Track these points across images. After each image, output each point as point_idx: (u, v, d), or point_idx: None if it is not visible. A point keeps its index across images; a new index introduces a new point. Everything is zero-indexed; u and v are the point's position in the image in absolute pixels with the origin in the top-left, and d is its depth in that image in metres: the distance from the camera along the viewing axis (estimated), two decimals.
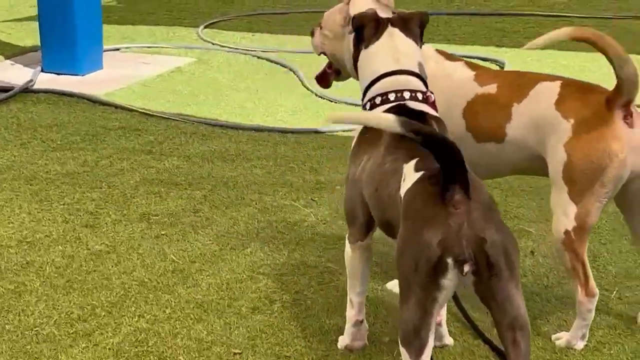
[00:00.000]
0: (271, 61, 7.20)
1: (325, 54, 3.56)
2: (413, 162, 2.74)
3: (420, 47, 3.21)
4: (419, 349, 2.58)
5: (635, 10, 8.82)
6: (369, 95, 3.13)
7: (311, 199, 4.66)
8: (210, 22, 8.48)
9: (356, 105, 6.01)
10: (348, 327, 3.29)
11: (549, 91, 3.28)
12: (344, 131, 5.60)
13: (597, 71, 6.05)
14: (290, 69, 6.94)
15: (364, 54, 3.20)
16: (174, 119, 5.85)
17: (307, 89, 6.47)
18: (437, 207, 2.53)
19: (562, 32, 3.18)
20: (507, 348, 2.60)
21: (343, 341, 3.31)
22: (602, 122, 3.14)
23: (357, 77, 3.31)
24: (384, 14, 3.24)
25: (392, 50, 3.14)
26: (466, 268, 2.52)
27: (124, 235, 4.26)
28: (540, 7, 9.02)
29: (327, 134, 5.61)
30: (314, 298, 3.71)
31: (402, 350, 2.62)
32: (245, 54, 7.43)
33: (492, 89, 3.39)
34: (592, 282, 3.27)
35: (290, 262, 4.01)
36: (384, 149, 2.92)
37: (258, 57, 7.32)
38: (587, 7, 9.04)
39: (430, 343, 2.61)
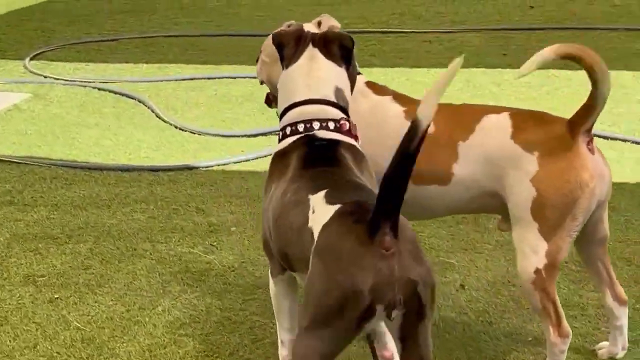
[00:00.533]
0: (115, 92, 6.74)
1: (263, 82, 3.30)
2: (322, 193, 2.56)
3: (348, 69, 2.96)
4: None
5: (469, 22, 8.83)
6: (282, 124, 2.93)
7: (210, 244, 4.30)
8: (36, 52, 7.91)
9: (224, 136, 5.72)
10: None
11: (499, 124, 3.06)
12: (219, 165, 5.26)
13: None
14: (140, 100, 6.51)
15: (282, 76, 2.96)
16: (27, 163, 5.35)
17: (164, 121, 6.08)
18: (366, 249, 2.34)
19: (548, 51, 2.96)
20: None
21: None
22: (568, 152, 2.95)
23: None
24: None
25: (306, 75, 2.91)
26: (394, 314, 2.38)
27: (12, 303, 3.79)
28: (374, 24, 8.90)
29: (202, 170, 5.24)
30: (252, 358, 3.37)
31: None
32: (84, 86, 6.93)
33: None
34: (565, 322, 3.07)
35: (212, 318, 3.64)
36: (290, 178, 2.75)
37: (99, 89, 6.84)
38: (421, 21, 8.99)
39: None
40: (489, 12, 9.07)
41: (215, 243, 4.31)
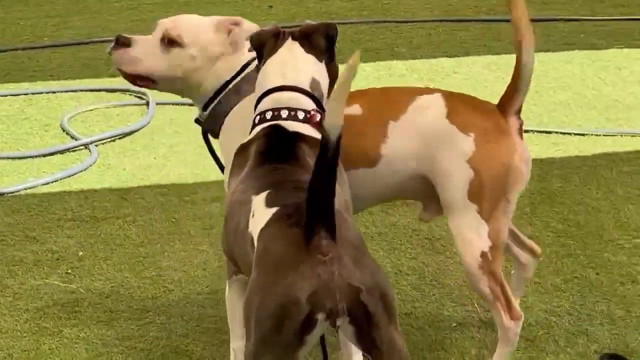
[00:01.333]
0: None
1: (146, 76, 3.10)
2: (264, 194, 2.43)
3: (328, 61, 2.79)
4: None
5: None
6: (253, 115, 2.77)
7: (64, 272, 3.90)
8: None
9: (18, 157, 5.23)
10: None
11: (433, 104, 3.00)
12: (27, 189, 4.79)
13: None
14: None
15: (259, 74, 2.80)
16: None
17: None
18: (302, 255, 2.21)
19: None
20: None
21: None
22: (502, 134, 2.95)
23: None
24: None
25: (281, 65, 2.76)
26: (339, 322, 2.24)
27: None
28: None
29: (8, 196, 4.74)
30: None
31: None
32: None
33: (355, 110, 3.00)
34: (515, 304, 3.01)
35: (114, 350, 3.29)
36: (243, 175, 2.61)
37: None
38: None
39: None
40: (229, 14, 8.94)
41: (69, 271, 3.91)
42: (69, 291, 3.73)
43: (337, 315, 2.22)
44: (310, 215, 2.22)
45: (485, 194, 2.92)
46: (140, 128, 5.56)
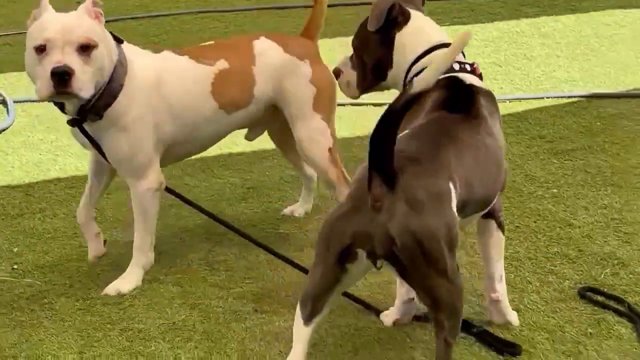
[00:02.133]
0: None
1: None
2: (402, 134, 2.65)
3: None
4: (311, 314, 2.61)
5: None
6: (416, 69, 2.96)
7: (11, 268, 3.73)
8: None
9: None
10: None
11: (268, 45, 3.63)
12: None
13: None
14: None
15: (399, 37, 3.01)
16: None
17: None
18: (363, 196, 2.45)
19: None
20: (434, 326, 2.57)
21: None
22: (319, 57, 3.72)
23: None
24: None
25: (428, 27, 3.06)
26: (378, 263, 2.50)
27: None
28: None
29: None
30: None
31: (298, 308, 2.63)
32: None
33: (223, 64, 3.55)
34: (347, 176, 3.65)
35: None
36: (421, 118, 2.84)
37: None
38: None
39: (324, 312, 2.62)
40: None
41: (15, 266, 3.75)
42: (27, 285, 3.58)
43: (377, 256, 2.47)
44: (371, 164, 2.40)
45: (325, 103, 3.66)
46: (8, 127, 5.35)
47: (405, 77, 2.98)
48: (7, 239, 3.99)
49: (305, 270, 3.22)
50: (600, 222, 3.86)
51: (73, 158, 4.88)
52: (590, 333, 3.08)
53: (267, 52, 3.62)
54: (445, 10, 7.28)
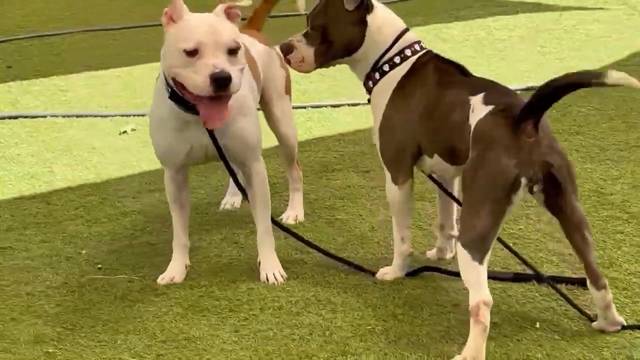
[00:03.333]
0: None
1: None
2: (480, 96, 3.07)
3: None
4: (484, 252, 2.87)
5: None
6: (393, 52, 3.39)
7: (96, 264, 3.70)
8: None
9: None
10: (399, 263, 3.45)
11: (248, 38, 3.74)
12: None
13: None
14: None
15: (370, 22, 3.38)
16: None
17: None
18: (514, 136, 2.91)
19: None
20: (578, 245, 2.99)
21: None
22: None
23: None
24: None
25: (391, 14, 3.46)
26: (535, 188, 2.92)
27: None
28: None
29: None
30: None
31: (465, 252, 2.87)
32: None
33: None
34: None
35: None
36: (435, 89, 3.26)
37: None
38: None
39: (491, 249, 2.90)
40: None
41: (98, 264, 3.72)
42: (127, 280, 3.55)
43: (535, 182, 2.89)
44: (530, 104, 2.90)
45: (289, 85, 4.04)
46: None
47: (381, 57, 3.37)
48: (66, 244, 3.94)
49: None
50: None
51: (67, 168, 4.84)
52: None
53: (252, 44, 3.78)
54: None
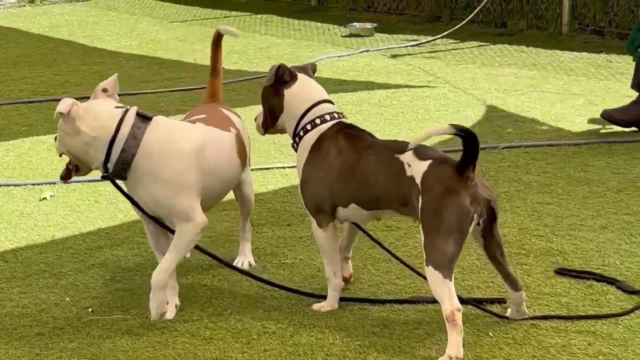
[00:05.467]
0: None
1: (63, 153, 4.08)
2: (408, 153, 3.80)
3: None
4: (452, 271, 3.64)
5: None
6: (305, 120, 4.08)
7: None
8: None
9: None
10: (335, 295, 4.10)
11: (228, 112, 4.46)
12: None
13: None
14: None
15: (287, 95, 4.10)
16: None
17: None
18: (462, 181, 3.68)
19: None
20: (499, 260, 3.87)
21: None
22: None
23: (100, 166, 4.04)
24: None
25: (311, 87, 4.16)
26: (480, 220, 3.72)
27: None
28: None
29: None
30: None
31: (437, 272, 3.61)
32: None
33: (233, 130, 4.36)
34: None
35: None
36: (351, 151, 3.96)
37: None
38: None
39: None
40: None
41: None
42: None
43: (481, 216, 3.69)
44: (467, 156, 3.66)
45: (247, 158, 4.47)
46: None
47: (298, 123, 4.09)
48: (46, 294, 4.37)
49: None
50: None
51: (6, 231, 5.24)
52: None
53: (233, 117, 4.41)
54: None
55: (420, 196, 3.70)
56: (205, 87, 4.81)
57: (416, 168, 3.75)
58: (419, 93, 8.28)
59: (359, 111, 7.68)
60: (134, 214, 4.80)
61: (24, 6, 14.88)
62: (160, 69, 9.72)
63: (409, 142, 3.79)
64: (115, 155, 3.94)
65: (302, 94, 4.08)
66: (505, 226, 4.98)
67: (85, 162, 4.05)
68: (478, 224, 3.70)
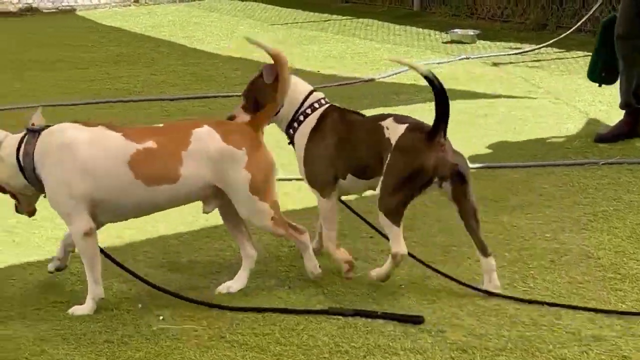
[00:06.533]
0: None
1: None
2: (389, 119, 4.22)
3: None
4: (399, 219, 4.12)
5: None
6: (303, 108, 4.46)
7: None
8: None
9: None
10: (340, 258, 4.40)
11: (207, 133, 4.17)
12: None
13: None
14: None
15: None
16: None
17: None
18: (429, 145, 4.05)
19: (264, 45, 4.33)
20: (472, 226, 4.17)
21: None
22: (260, 145, 4.24)
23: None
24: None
25: (298, 81, 4.53)
26: (444, 185, 4.10)
27: None
28: None
29: None
30: None
31: (386, 220, 4.11)
32: None
33: (151, 144, 4.13)
34: (296, 225, 4.34)
35: None
36: (343, 126, 4.37)
37: None
38: None
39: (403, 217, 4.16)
40: None
41: None
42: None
43: (445, 179, 4.06)
44: (438, 122, 4.03)
45: (259, 186, 4.18)
46: None
47: (295, 113, 4.45)
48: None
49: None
50: None
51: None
52: None
53: (204, 139, 4.13)
54: None
55: (389, 154, 4.10)
56: None
57: (393, 131, 4.16)
58: (519, 103, 8.02)
59: (455, 120, 7.43)
60: (215, 220, 4.68)
61: (129, 5, 14.99)
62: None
63: (390, 114, 4.30)
64: (28, 174, 4.14)
65: (297, 86, 4.46)
66: (601, 248, 4.73)
67: (14, 187, 4.24)
68: (440, 186, 4.08)
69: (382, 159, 4.14)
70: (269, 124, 4.36)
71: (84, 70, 9.94)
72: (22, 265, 4.73)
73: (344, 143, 4.32)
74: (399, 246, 4.12)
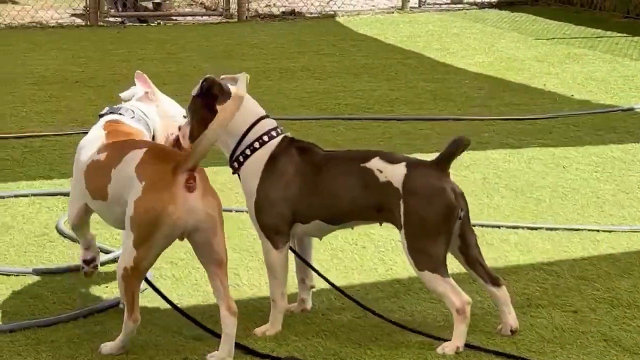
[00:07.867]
0: None
1: None
2: (375, 159, 3.84)
3: None
4: (446, 268, 3.76)
5: None
6: (250, 138, 3.96)
7: None
8: None
9: None
10: (279, 317, 3.94)
11: (135, 156, 3.82)
12: None
13: None
14: None
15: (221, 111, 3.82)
16: None
17: None
18: (442, 180, 3.79)
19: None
20: (478, 258, 3.88)
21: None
22: (165, 187, 3.65)
23: None
24: None
25: (248, 102, 4.01)
26: (462, 213, 3.82)
27: None
28: None
29: None
30: None
31: (434, 275, 3.72)
32: None
33: (102, 156, 4.00)
34: (137, 311, 3.74)
35: None
36: (308, 167, 3.88)
37: None
38: None
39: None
40: None
41: None
42: None
43: (462, 209, 3.80)
44: (445, 159, 3.82)
45: (135, 228, 3.68)
46: None
47: (239, 142, 3.93)
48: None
49: None
50: None
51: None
52: None
53: (130, 161, 3.82)
54: None
55: (401, 200, 3.74)
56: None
57: (391, 172, 3.80)
58: None
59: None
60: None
61: (392, 13, 14.35)
62: (503, 91, 8.77)
63: (367, 150, 3.95)
64: None
65: (242, 109, 3.83)
66: None
67: None
68: (460, 218, 3.78)
69: (379, 204, 3.78)
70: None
71: (322, 81, 9.41)
72: None
73: (312, 185, 3.83)
74: (460, 297, 3.71)
